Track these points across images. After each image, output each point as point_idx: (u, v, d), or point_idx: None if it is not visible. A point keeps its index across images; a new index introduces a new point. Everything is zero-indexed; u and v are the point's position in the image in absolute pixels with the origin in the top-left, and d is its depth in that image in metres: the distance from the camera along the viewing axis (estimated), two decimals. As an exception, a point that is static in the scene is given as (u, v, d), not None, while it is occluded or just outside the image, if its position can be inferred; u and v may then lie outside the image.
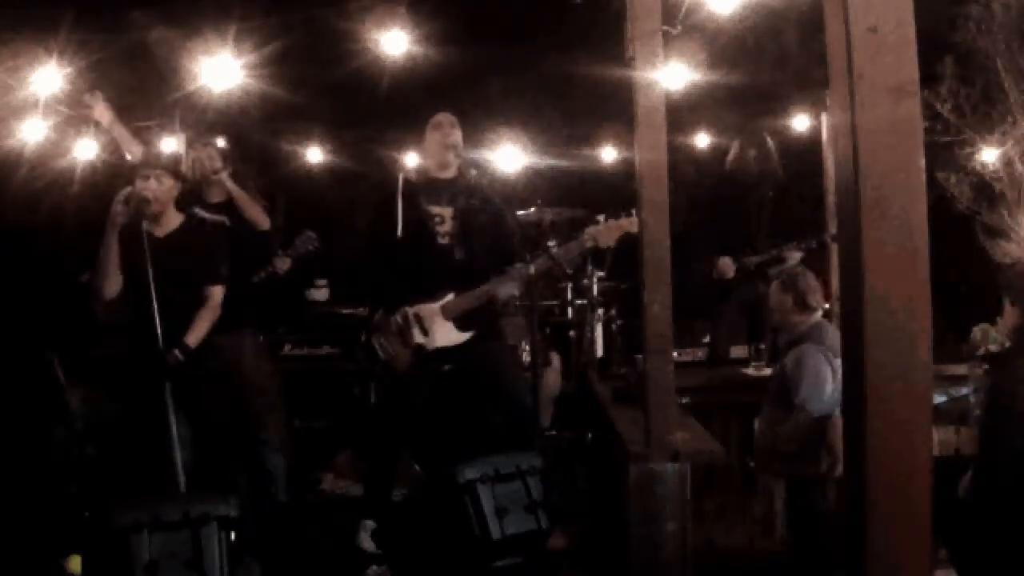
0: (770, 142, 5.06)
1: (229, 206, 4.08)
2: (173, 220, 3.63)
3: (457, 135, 3.73)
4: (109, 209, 3.45)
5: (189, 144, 4.35)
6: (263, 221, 4.21)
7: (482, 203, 3.73)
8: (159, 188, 3.52)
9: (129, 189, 3.45)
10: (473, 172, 3.78)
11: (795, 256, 4.73)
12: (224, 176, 4.09)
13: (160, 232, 3.58)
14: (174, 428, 3.26)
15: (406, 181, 3.72)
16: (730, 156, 5.10)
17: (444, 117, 3.75)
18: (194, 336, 3.49)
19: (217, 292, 3.62)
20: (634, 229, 3.26)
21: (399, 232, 3.62)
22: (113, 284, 3.49)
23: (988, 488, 2.93)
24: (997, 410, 3.00)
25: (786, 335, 3.71)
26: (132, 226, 3.44)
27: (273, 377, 4.40)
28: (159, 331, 3.32)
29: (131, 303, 3.48)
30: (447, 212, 3.71)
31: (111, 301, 3.53)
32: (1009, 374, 3.03)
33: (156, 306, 3.32)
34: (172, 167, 3.64)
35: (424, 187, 3.73)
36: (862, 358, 1.39)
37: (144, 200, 3.43)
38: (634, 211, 3.20)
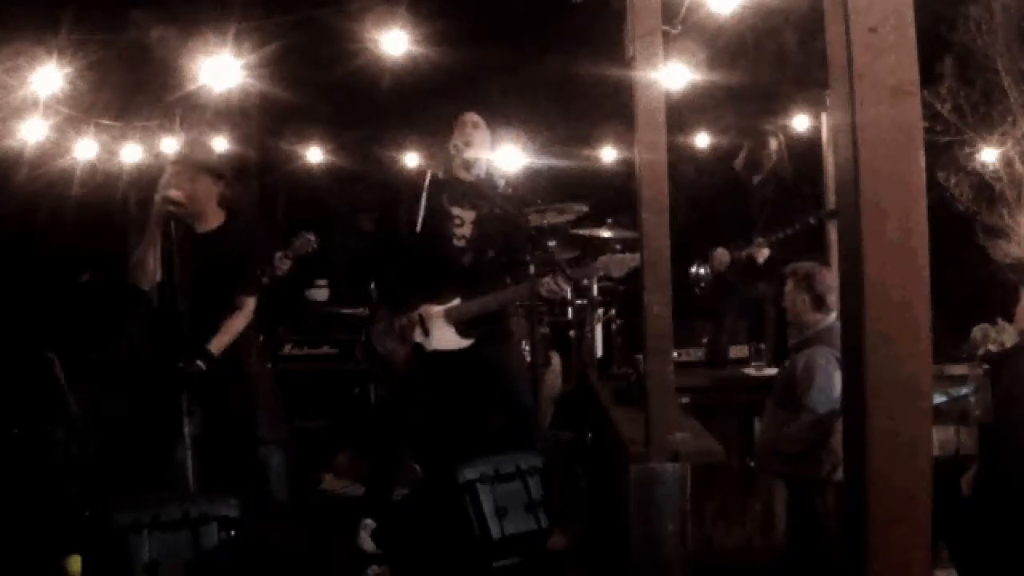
0: (783, 141, 5.03)
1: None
2: (214, 218, 3.57)
3: (477, 135, 3.71)
4: (109, 209, 3.44)
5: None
6: None
7: (502, 211, 3.71)
8: (192, 188, 3.44)
9: (172, 191, 3.38)
10: (494, 177, 3.76)
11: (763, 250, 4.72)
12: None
13: (200, 229, 3.53)
14: (187, 432, 3.26)
15: (433, 177, 3.69)
16: (741, 156, 5.06)
17: (469, 117, 3.74)
18: (218, 343, 3.43)
19: (250, 302, 3.57)
20: None
21: (418, 227, 3.60)
22: (147, 279, 3.41)
23: (993, 487, 2.93)
24: (1009, 407, 2.98)
25: (796, 334, 3.67)
26: (166, 223, 3.37)
27: (270, 376, 4.39)
28: (183, 335, 3.27)
29: (160, 300, 3.44)
30: (468, 216, 3.70)
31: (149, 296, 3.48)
32: (1021, 367, 3.02)
33: (184, 306, 3.27)
34: (210, 166, 3.58)
35: (448, 186, 3.72)
36: (862, 358, 1.38)
37: (170, 200, 3.35)
38: None
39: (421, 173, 3.72)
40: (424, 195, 3.60)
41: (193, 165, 3.51)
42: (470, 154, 3.68)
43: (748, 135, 5.12)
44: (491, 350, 3.70)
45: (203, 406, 3.43)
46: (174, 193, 3.34)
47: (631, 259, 3.55)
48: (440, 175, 3.75)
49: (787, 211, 4.78)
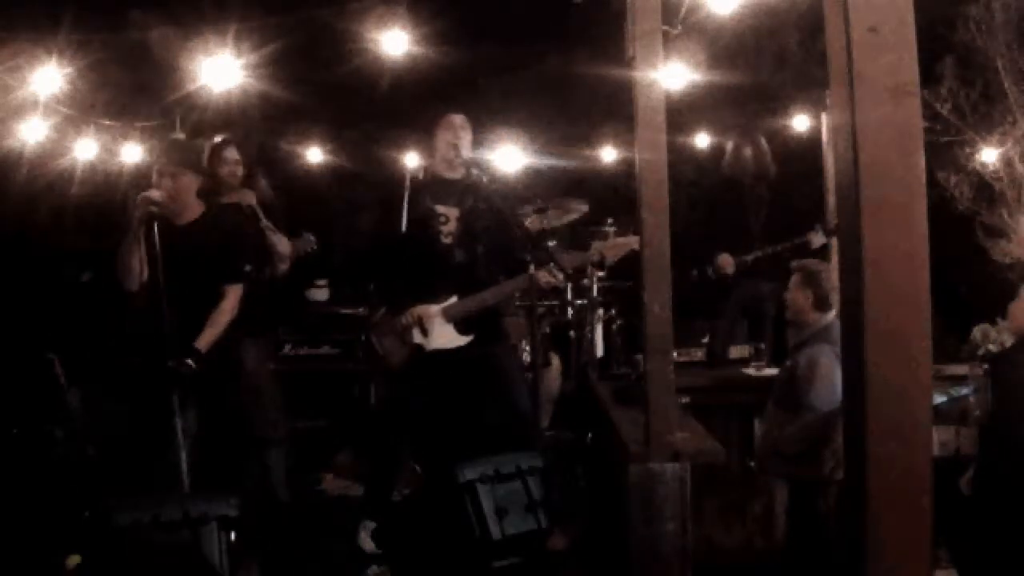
0: (764, 141, 5.03)
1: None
2: (195, 210, 3.53)
3: (467, 138, 3.72)
4: (108, 209, 3.43)
5: (218, 148, 4.30)
6: (285, 246, 4.26)
7: (488, 206, 3.72)
8: (174, 186, 3.42)
9: (153, 192, 3.35)
10: (475, 172, 3.77)
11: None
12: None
13: (180, 222, 3.49)
14: (179, 431, 3.25)
15: (413, 179, 3.70)
16: (726, 157, 5.08)
17: (457, 118, 3.73)
18: (206, 340, 3.40)
19: (234, 292, 3.51)
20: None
21: (403, 229, 3.61)
22: (133, 280, 3.38)
23: (993, 486, 2.93)
24: (1009, 407, 2.97)
25: (796, 333, 3.65)
26: (148, 220, 3.33)
27: (272, 376, 4.39)
28: (168, 334, 3.23)
29: (146, 300, 3.42)
30: (452, 213, 3.71)
31: (137, 296, 3.47)
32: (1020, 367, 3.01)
33: (166, 305, 3.22)
34: (190, 163, 3.55)
35: (431, 186, 3.73)
36: (862, 358, 1.38)
37: (151, 201, 3.31)
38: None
39: (400, 176, 3.73)
40: (406, 197, 3.61)
41: (175, 164, 3.49)
42: (461, 154, 3.68)
43: (730, 137, 5.14)
44: (488, 350, 3.71)
45: (197, 405, 3.42)
46: (155, 194, 3.31)
47: (624, 243, 3.54)
48: (420, 176, 3.76)
49: (785, 212, 4.79)
